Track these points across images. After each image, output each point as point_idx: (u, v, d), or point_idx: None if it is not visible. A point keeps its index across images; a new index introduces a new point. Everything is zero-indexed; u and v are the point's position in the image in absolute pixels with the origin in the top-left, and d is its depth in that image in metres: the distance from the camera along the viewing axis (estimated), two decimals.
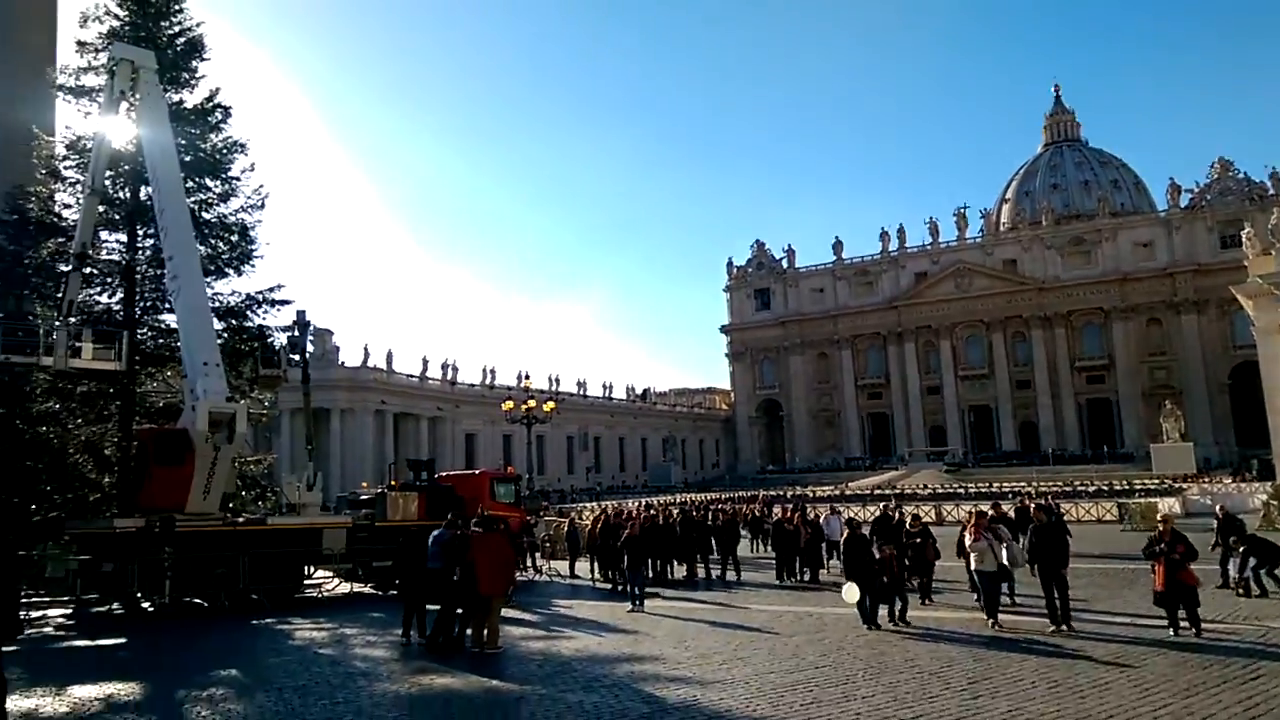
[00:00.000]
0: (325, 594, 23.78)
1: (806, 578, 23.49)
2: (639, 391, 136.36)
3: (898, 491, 71.58)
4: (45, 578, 21.40)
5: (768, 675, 11.79)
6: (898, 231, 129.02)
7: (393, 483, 33.17)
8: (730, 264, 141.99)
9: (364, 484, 47.78)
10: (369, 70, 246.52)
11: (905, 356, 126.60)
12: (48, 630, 17.41)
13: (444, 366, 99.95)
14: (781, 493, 74.24)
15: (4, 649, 9.60)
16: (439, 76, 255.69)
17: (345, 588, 24.17)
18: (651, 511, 28.53)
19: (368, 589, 24.05)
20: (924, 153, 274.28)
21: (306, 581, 23.63)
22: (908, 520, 21.98)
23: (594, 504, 62.45)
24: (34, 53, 37.83)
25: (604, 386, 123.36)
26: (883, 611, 15.51)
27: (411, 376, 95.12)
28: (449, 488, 27.57)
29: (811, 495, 68.50)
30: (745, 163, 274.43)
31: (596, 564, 24.78)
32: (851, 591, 15.47)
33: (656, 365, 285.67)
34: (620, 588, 22.09)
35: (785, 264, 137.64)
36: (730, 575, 24.79)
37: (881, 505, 27.18)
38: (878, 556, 15.87)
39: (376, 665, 13.36)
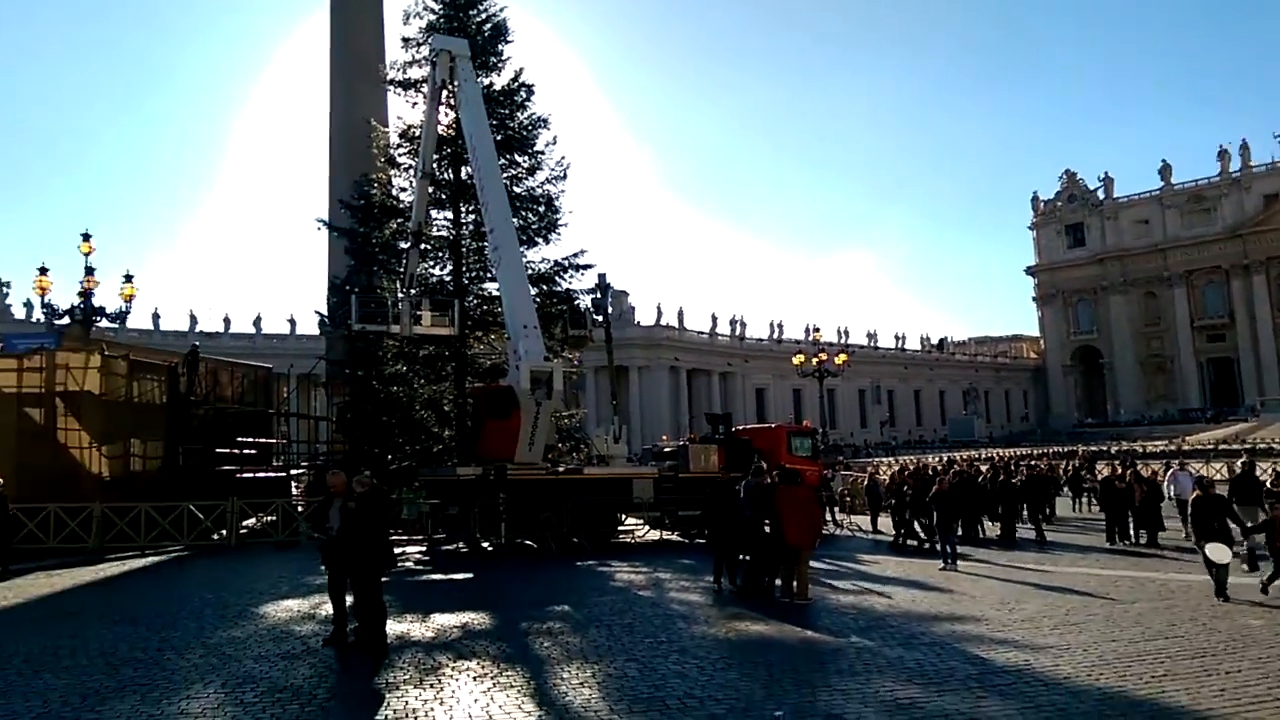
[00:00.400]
0: (637, 540, 25.13)
1: (1143, 540, 21.29)
2: (934, 342, 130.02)
3: (1249, 446, 62.53)
4: (402, 519, 24.47)
5: (1108, 643, 10.78)
6: (1240, 148, 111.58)
7: (692, 436, 34.28)
8: (1035, 199, 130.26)
9: (664, 436, 49.70)
10: (636, 36, 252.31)
11: (1253, 292, 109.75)
12: (409, 565, 19.84)
13: (732, 323, 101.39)
14: (1104, 448, 67.62)
15: (381, 579, 11.06)
16: (703, 36, 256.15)
17: (654, 535, 25.37)
18: (956, 467, 27.26)
19: (674, 536, 25.07)
20: (1268, 50, 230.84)
21: (619, 528, 25.12)
22: (1267, 480, 19.21)
23: (890, 459, 60.77)
24: (366, 54, 42.55)
25: (896, 338, 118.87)
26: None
27: (701, 334, 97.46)
28: (747, 441, 27.95)
29: (1140, 451, 61.74)
30: (1044, 84, 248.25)
31: (899, 520, 24.06)
32: (1221, 552, 13.73)
33: (951, 314, 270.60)
34: (926, 545, 21.33)
35: (1101, 194, 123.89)
36: (1049, 535, 23.05)
37: (1240, 462, 23.83)
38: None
39: (693, 609, 13.87)
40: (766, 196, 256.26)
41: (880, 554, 21.56)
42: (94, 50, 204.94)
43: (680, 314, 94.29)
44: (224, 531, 23.74)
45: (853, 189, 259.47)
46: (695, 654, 10.55)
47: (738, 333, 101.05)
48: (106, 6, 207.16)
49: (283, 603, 14.57)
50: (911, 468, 29.79)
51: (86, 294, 27.58)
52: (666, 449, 29.54)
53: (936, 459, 43.32)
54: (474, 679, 9.33)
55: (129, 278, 28.69)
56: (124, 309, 28.72)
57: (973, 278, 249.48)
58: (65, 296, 28.64)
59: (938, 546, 19.42)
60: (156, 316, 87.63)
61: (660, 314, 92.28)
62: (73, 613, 14.19)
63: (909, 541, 22.41)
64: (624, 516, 25.30)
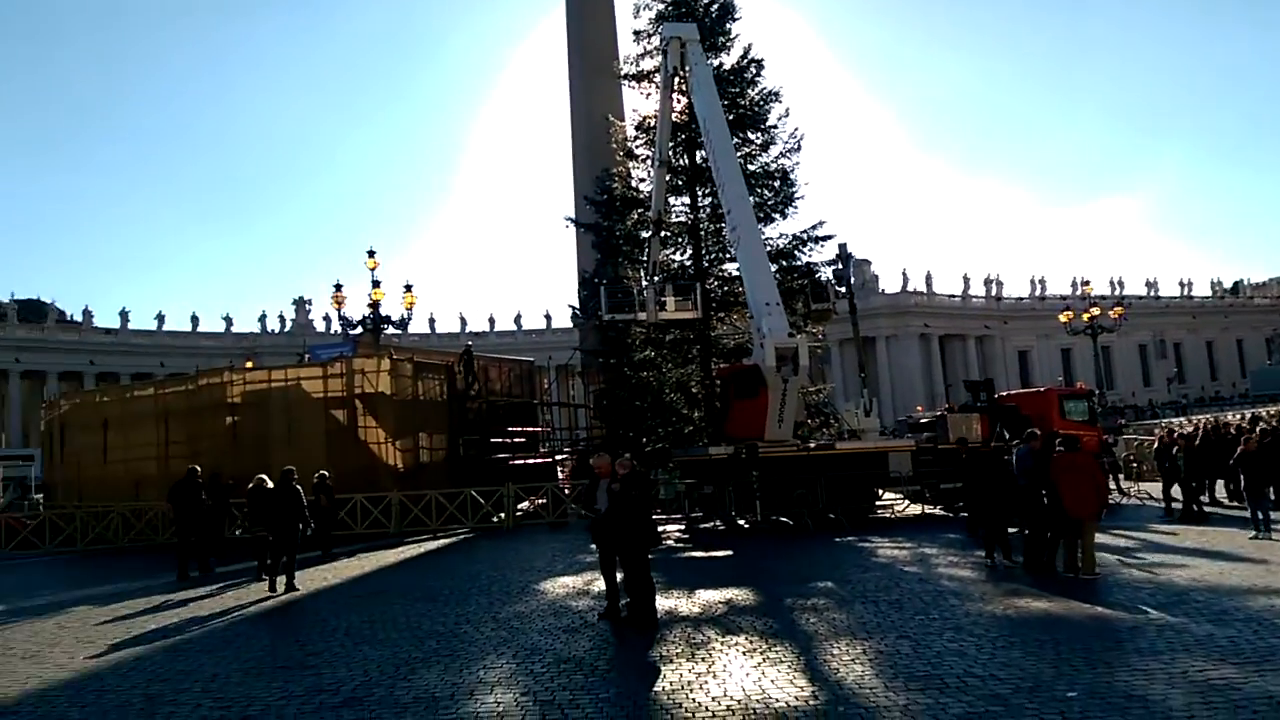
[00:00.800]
0: (896, 515, 24.39)
1: None
2: (1226, 286, 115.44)
3: None
4: (660, 499, 25.28)
5: None
6: None
7: (949, 405, 32.74)
8: None
9: (919, 407, 47.91)
10: None
11: None
12: (669, 543, 20.46)
13: (987, 283, 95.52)
14: None
15: (649, 557, 11.49)
16: None
17: (914, 509, 24.50)
18: (1263, 425, 24.15)
19: (936, 510, 24.08)
20: None
21: (877, 503, 24.49)
22: None
23: (1180, 419, 54.75)
24: (601, 52, 44.05)
25: (1181, 285, 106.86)
26: None
27: (953, 296, 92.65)
28: (1013, 407, 26.31)
29: None
30: None
31: (1183, 487, 21.59)
32: None
33: (1240, 256, 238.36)
34: (1196, 509, 19.23)
35: None
36: None
37: None
38: None
39: (965, 585, 13.26)
40: (1015, 144, 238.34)
41: (1175, 524, 19.53)
42: (331, 64, 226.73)
43: (928, 278, 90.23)
44: (502, 515, 25.69)
45: (1115, 128, 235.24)
46: (972, 631, 10.10)
47: (993, 293, 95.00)
48: (344, 17, 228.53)
49: (559, 580, 15.54)
50: (1208, 427, 26.68)
51: (375, 305, 30.72)
52: (923, 420, 28.45)
53: (1238, 416, 38.51)
54: (743, 653, 9.48)
55: (408, 287, 31.63)
56: (406, 316, 31.71)
57: (1263, 214, 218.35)
58: (357, 308, 32.11)
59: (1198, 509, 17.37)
60: (432, 320, 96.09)
61: (906, 280, 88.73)
62: (380, 591, 15.90)
63: (1191, 507, 20.18)
64: (881, 491, 24.63)
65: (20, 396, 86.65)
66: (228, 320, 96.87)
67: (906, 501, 24.95)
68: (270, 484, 16.32)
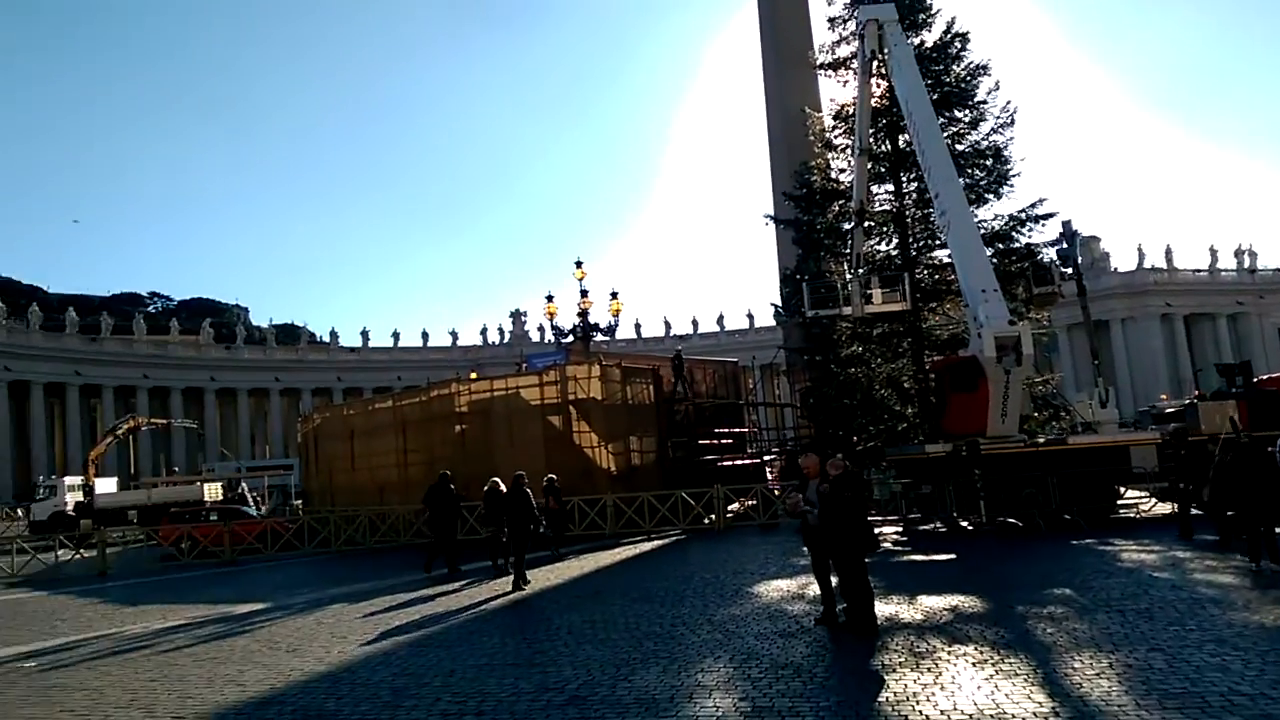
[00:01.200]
0: (1142, 514, 22.32)
1: None
2: None
3: None
4: (873, 499, 24.52)
5: None
6: None
7: (1198, 392, 29.70)
8: None
9: (1163, 395, 43.71)
10: None
11: None
12: (886, 545, 19.75)
13: (1237, 254, 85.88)
14: None
15: (865, 561, 11.12)
16: None
17: (1163, 508, 22.31)
18: None
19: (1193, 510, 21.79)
20: None
21: (1119, 501, 22.53)
22: None
23: None
24: (794, 44, 43.50)
25: None
26: None
27: (1199, 271, 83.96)
28: (1275, 393, 23.50)
29: None
30: None
31: None
32: None
33: None
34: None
35: None
36: None
37: None
38: None
39: (1226, 592, 11.90)
40: (1257, 103, 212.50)
41: None
42: (530, 80, 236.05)
43: (1168, 252, 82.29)
44: (712, 516, 25.81)
45: None
46: (1236, 645, 9.04)
47: (1246, 265, 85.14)
48: (541, 33, 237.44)
49: (772, 582, 15.38)
50: None
51: (583, 313, 31.85)
52: (1168, 409, 25.98)
53: None
54: (973, 664, 8.96)
55: (614, 295, 32.55)
56: (613, 323, 32.66)
57: None
58: (567, 317, 33.40)
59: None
60: (638, 325, 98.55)
61: (1142, 256, 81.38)
62: (599, 591, 16.36)
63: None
64: (1123, 489, 22.63)
65: (280, 412, 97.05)
66: (453, 335, 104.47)
67: (1153, 500, 22.77)
68: (503, 487, 17.41)
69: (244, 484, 58.31)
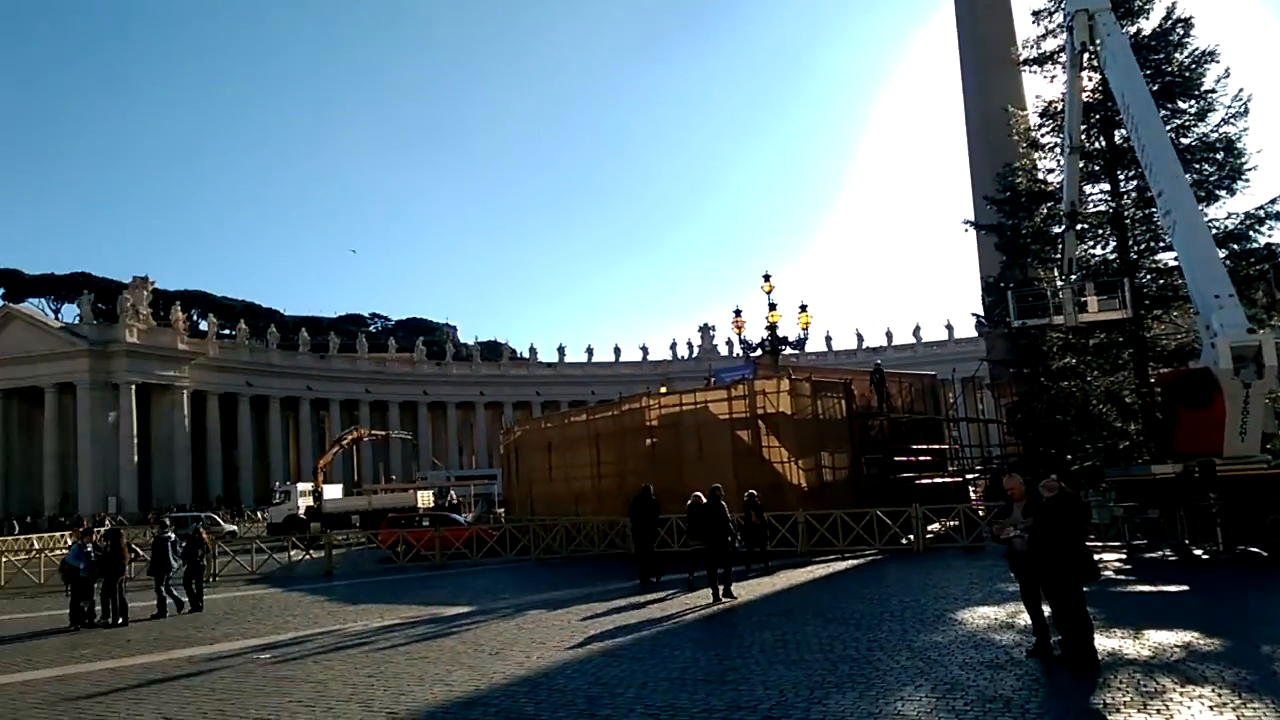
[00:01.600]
0: None
1: None
2: None
3: None
4: (1090, 523, 22.69)
5: None
6: None
7: None
8: None
9: None
10: None
11: None
12: (1108, 574, 18.24)
13: None
14: None
15: (1083, 590, 10.28)
16: None
17: None
18: None
19: None
20: None
21: None
22: None
23: None
24: (995, 41, 41.49)
25: None
26: None
27: None
28: None
29: None
30: None
31: None
32: None
33: None
34: None
35: None
36: None
37: None
38: None
39: None
40: None
41: None
42: (722, 91, 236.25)
43: None
44: (910, 536, 24.77)
45: None
46: None
47: None
48: (732, 45, 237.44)
49: (978, 609, 14.55)
50: None
51: (772, 327, 31.60)
52: None
53: None
54: (1210, 708, 8.08)
55: (803, 308, 32.10)
56: (802, 336, 32.19)
57: None
58: (755, 330, 33.23)
59: None
60: (829, 338, 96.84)
61: None
62: (791, 609, 16.07)
63: None
64: None
65: (485, 423, 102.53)
66: (644, 350, 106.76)
67: None
68: (704, 500, 17.62)
69: (453, 492, 61.98)
